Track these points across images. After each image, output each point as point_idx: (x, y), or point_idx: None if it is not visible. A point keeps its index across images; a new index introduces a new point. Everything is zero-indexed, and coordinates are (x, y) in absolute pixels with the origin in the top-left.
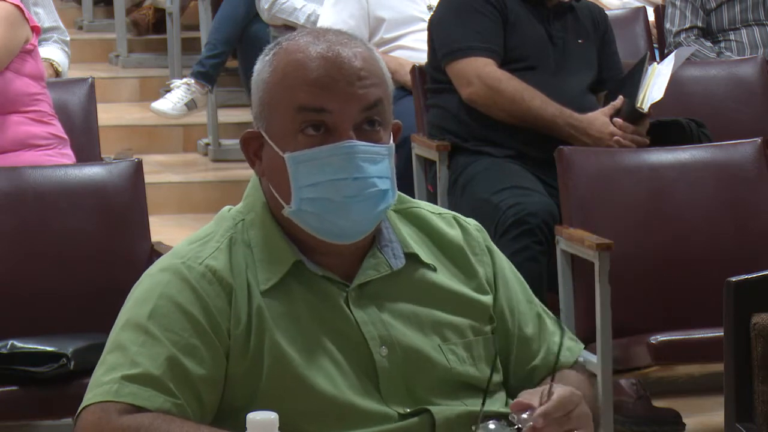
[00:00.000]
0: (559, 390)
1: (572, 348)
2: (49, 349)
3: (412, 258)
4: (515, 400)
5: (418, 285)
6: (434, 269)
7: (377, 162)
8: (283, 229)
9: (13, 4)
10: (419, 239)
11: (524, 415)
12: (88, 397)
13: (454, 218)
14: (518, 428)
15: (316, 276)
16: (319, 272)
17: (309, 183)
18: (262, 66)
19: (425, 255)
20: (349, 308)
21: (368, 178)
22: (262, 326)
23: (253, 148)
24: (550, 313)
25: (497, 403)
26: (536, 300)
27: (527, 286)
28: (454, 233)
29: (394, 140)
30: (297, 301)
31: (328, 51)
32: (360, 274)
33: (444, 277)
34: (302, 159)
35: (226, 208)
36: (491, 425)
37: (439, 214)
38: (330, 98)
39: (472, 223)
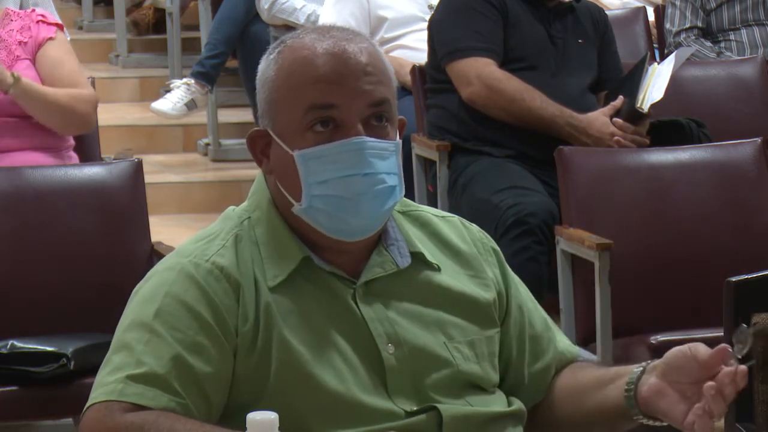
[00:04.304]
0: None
1: (572, 344)
2: (49, 349)
3: (417, 257)
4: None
5: (423, 285)
6: (438, 269)
7: (385, 158)
8: (289, 226)
9: (59, 25)
10: (424, 240)
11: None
12: (93, 396)
13: (460, 221)
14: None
15: (323, 272)
16: (327, 268)
17: (319, 180)
18: (267, 65)
19: (430, 255)
20: (357, 305)
21: (377, 174)
22: (270, 323)
23: (259, 146)
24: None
25: (498, 402)
26: (535, 300)
27: (526, 287)
28: (458, 235)
29: (399, 136)
30: (305, 297)
31: (334, 47)
32: (366, 271)
33: (448, 277)
34: (311, 156)
35: (231, 207)
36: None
37: (443, 217)
38: (337, 93)
39: (475, 227)
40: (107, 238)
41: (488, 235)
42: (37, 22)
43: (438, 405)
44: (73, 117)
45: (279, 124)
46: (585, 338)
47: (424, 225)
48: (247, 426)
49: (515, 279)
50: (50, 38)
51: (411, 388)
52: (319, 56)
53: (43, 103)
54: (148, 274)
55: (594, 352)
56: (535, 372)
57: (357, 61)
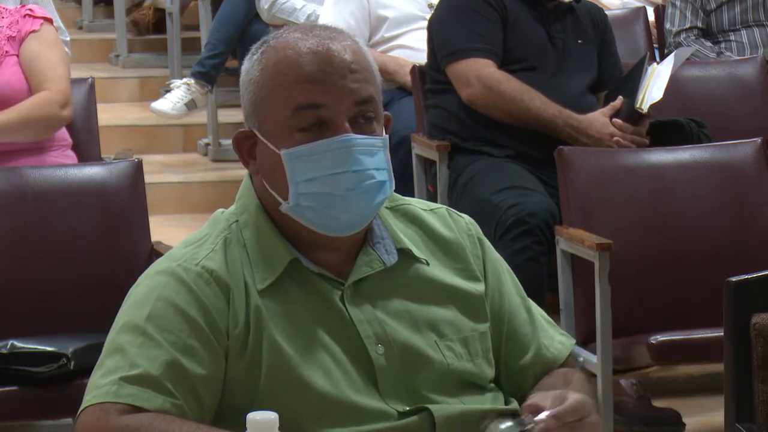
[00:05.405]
0: (574, 395)
1: (564, 342)
2: (49, 349)
3: (404, 253)
4: (528, 401)
5: (412, 281)
6: (427, 263)
7: (374, 154)
8: (277, 228)
9: (48, 19)
10: (411, 234)
11: (537, 417)
12: (87, 399)
13: (447, 211)
14: (529, 429)
15: (311, 274)
16: (315, 269)
17: (306, 178)
18: (250, 65)
19: (417, 250)
20: (345, 306)
21: (366, 170)
22: (261, 325)
23: (246, 147)
24: (542, 310)
25: (494, 400)
26: (527, 298)
27: (519, 284)
28: (446, 227)
29: (386, 132)
30: (294, 299)
31: (318, 46)
32: (354, 271)
33: (437, 270)
34: (299, 155)
35: (219, 210)
36: (501, 426)
37: (431, 210)
38: (323, 93)
39: (465, 217)
40: (107, 238)
41: (477, 226)
42: (24, 16)
43: (430, 405)
44: (41, 125)
45: (265, 124)
46: (585, 338)
47: (412, 220)
48: (247, 426)
49: (503, 273)
50: (33, 31)
51: (403, 388)
52: (303, 56)
53: (4, 131)
54: (140, 278)
55: (594, 352)
56: (510, 372)
57: (341, 59)
